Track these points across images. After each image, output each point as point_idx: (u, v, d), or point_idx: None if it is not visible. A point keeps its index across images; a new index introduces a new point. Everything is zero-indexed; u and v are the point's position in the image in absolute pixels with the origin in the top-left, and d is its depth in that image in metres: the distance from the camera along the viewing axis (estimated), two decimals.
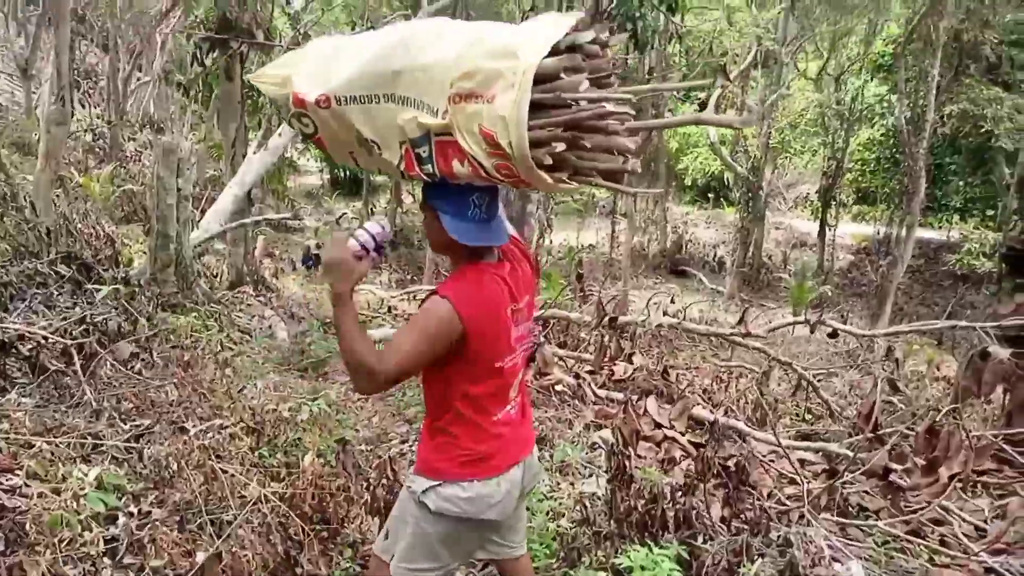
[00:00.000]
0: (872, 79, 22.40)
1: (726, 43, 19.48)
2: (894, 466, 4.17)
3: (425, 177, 1.86)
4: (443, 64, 1.72)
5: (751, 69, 19.08)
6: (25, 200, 7.32)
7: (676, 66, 17.51)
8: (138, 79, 22.72)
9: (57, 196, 9.27)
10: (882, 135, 23.56)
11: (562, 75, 1.71)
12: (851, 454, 4.49)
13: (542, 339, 6.88)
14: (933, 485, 4.01)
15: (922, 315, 17.62)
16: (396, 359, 1.85)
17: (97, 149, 18.81)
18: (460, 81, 1.69)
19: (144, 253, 8.33)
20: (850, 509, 4.24)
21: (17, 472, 2.61)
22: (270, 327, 7.89)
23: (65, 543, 2.33)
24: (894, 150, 22.29)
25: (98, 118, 20.64)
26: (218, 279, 9.82)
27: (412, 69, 1.74)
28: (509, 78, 1.64)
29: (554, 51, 1.72)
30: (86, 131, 19.31)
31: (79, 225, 7.42)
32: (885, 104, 22.30)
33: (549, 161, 1.70)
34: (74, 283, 5.79)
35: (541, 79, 1.67)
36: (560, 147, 1.70)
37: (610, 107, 1.84)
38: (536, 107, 1.67)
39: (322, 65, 1.85)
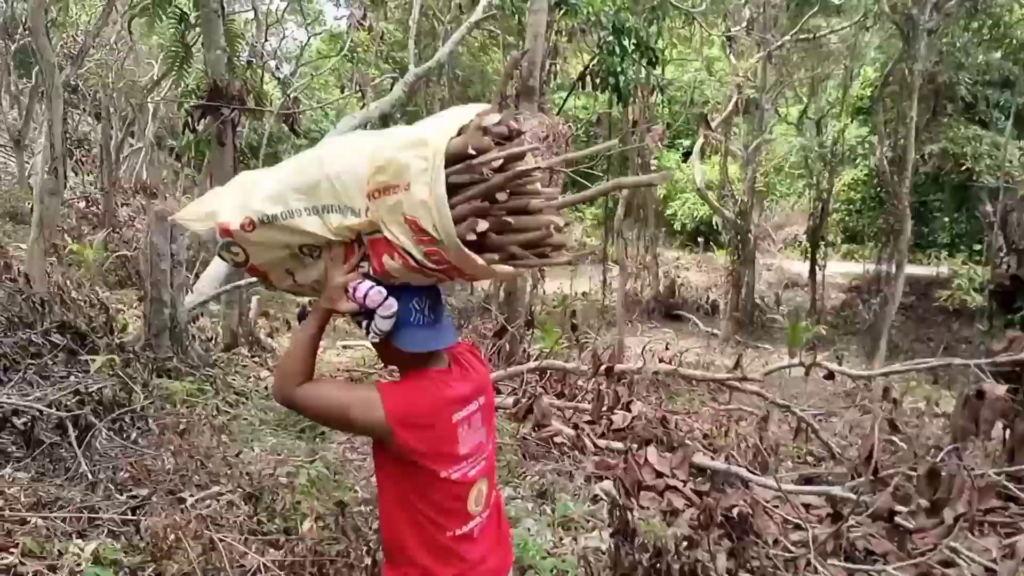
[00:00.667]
0: (852, 121, 22.87)
1: (707, 92, 19.92)
2: (899, 508, 4.14)
3: None
4: (357, 166, 1.76)
5: (733, 116, 19.46)
6: (18, 271, 7.34)
7: (659, 117, 17.86)
8: (130, 146, 22.99)
9: (51, 264, 9.31)
10: (866, 175, 23.94)
11: (472, 152, 1.71)
12: (854, 496, 4.45)
13: (539, 390, 6.86)
14: (939, 526, 3.98)
15: (917, 351, 17.63)
16: (310, 392, 1.86)
17: (90, 216, 18.92)
18: (375, 176, 1.72)
19: (138, 318, 8.32)
20: (857, 553, 4.19)
21: (12, 550, 2.56)
22: (266, 388, 7.85)
23: None
24: (878, 189, 22.63)
25: (91, 185, 20.81)
26: (213, 342, 9.79)
27: (328, 178, 1.78)
28: (421, 164, 1.67)
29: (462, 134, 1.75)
30: (79, 198, 19.46)
31: (73, 294, 7.44)
32: (867, 145, 22.73)
33: (473, 237, 1.69)
34: (68, 352, 5.78)
35: (453, 160, 1.69)
36: (483, 224, 1.69)
37: (538, 186, 1.87)
38: (454, 189, 1.69)
39: (242, 194, 1.88)
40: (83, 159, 22.82)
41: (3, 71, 17.78)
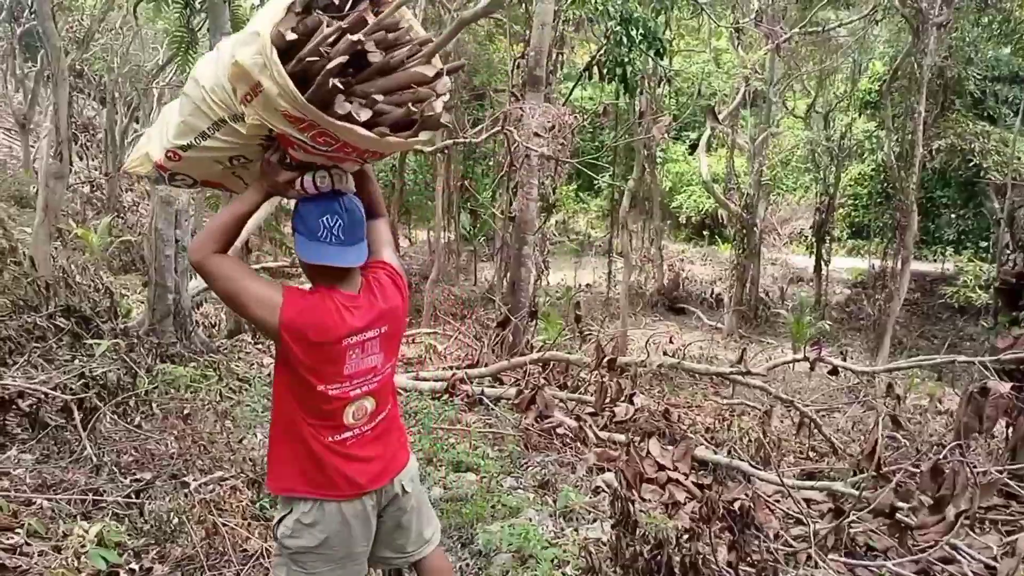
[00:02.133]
0: (860, 116, 22.73)
1: (714, 84, 19.82)
2: (900, 504, 4.14)
3: None
4: (221, 77, 1.80)
5: (740, 109, 19.38)
6: (23, 254, 7.35)
7: (666, 108, 17.79)
8: (135, 131, 22.99)
9: (56, 249, 9.32)
10: (872, 170, 23.83)
11: (297, 33, 1.74)
12: (856, 492, 4.45)
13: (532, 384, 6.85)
14: (940, 523, 3.98)
15: (922, 348, 17.61)
16: (224, 267, 1.96)
17: (95, 200, 18.94)
18: (235, 84, 1.78)
19: (142, 303, 8.35)
20: (857, 549, 4.20)
21: (17, 531, 2.58)
22: (269, 374, 7.87)
23: None
24: (885, 185, 22.51)
25: (96, 170, 20.83)
26: (216, 328, 9.81)
27: (206, 97, 1.83)
28: (259, 60, 1.71)
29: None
30: (84, 183, 19.48)
31: (77, 278, 7.45)
32: (874, 140, 22.60)
33: (344, 111, 1.73)
34: (73, 336, 5.80)
35: (288, 47, 1.73)
36: (332, 82, 1.71)
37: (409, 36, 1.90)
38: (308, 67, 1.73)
39: (162, 130, 1.99)
40: (88, 144, 22.83)
41: (8, 55, 17.75)
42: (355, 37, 1.75)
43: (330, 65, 1.71)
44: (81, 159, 21.59)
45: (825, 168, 21.55)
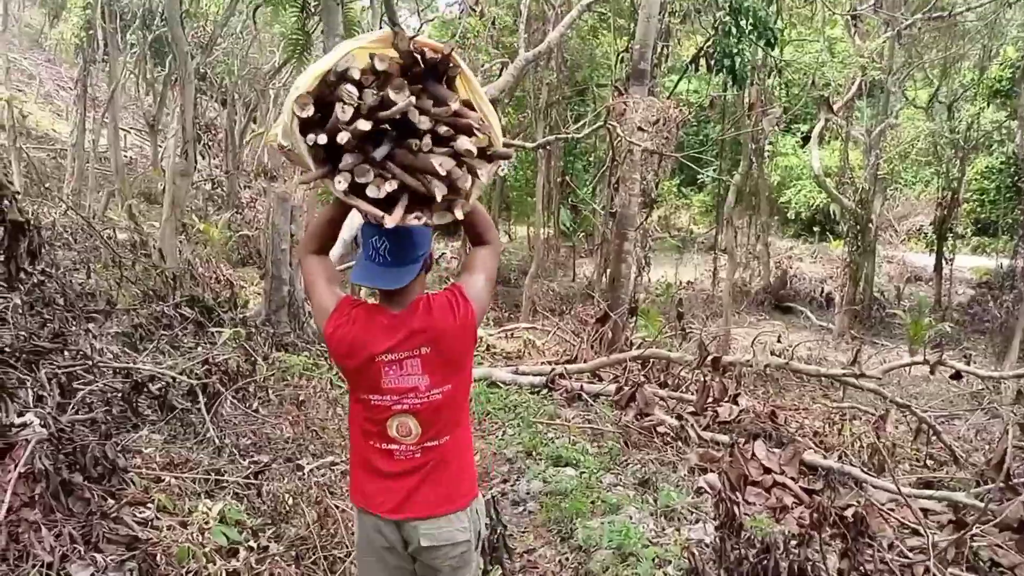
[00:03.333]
0: (988, 105, 21.27)
1: (828, 75, 18.98)
2: None
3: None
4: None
5: (855, 99, 18.49)
6: (153, 247, 7.87)
7: (776, 100, 17.18)
8: (252, 131, 24.16)
9: (180, 242, 9.94)
10: (1002, 163, 22.27)
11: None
12: (980, 504, 4.19)
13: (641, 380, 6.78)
14: None
15: None
16: (310, 268, 2.20)
17: (215, 197, 20.04)
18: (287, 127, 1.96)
19: (259, 295, 8.77)
20: (981, 564, 3.95)
21: (149, 505, 2.77)
22: None
23: (192, 574, 2.46)
24: (1015, 178, 21.00)
25: (216, 168, 22.03)
26: None
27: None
28: (287, 117, 1.90)
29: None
30: (206, 181, 20.63)
31: (200, 270, 7.91)
32: (1004, 131, 21.11)
33: (344, 186, 1.86)
34: (196, 324, 6.17)
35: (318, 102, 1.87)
36: (321, 139, 1.84)
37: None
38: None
39: (282, 120, 2.07)
40: (209, 144, 24.15)
41: (140, 60, 18.99)
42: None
43: (339, 140, 1.84)
44: (203, 158, 22.86)
45: (948, 161, 20.29)
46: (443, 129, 1.89)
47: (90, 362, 3.64)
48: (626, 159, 9.07)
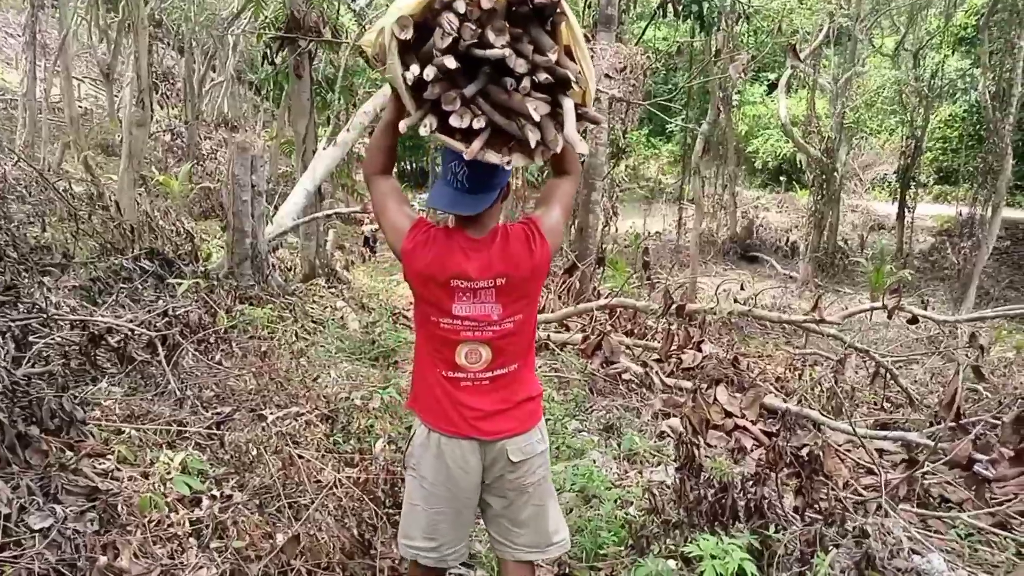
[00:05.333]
0: (953, 53, 21.40)
1: (796, 22, 18.90)
2: (979, 456, 4.01)
3: None
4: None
5: (823, 47, 18.46)
6: (110, 200, 7.67)
7: (744, 47, 17.07)
8: (212, 80, 23.51)
9: (139, 195, 9.70)
10: (964, 111, 22.53)
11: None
12: (931, 443, 4.33)
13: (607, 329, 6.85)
14: (1021, 476, 3.85)
15: (1010, 299, 16.80)
16: (379, 189, 2.23)
17: (175, 148, 19.56)
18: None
19: (221, 248, 8.64)
20: (931, 500, 4.10)
21: (109, 457, 2.75)
22: (342, 318, 8.08)
23: (154, 524, 2.46)
24: (977, 127, 21.27)
25: (175, 118, 21.46)
26: (292, 272, 10.10)
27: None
28: (387, 40, 1.89)
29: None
30: (165, 131, 20.11)
31: (160, 222, 7.74)
32: (968, 79, 21.29)
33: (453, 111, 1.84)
34: (156, 277, 6.05)
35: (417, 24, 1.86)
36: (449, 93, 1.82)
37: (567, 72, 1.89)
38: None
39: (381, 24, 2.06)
40: (168, 93, 23.49)
41: (92, 5, 18.27)
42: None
43: (423, 74, 1.84)
44: (162, 108, 22.26)
45: (913, 110, 20.48)
46: (542, 76, 1.85)
47: (45, 315, 3.57)
48: (593, 107, 8.99)
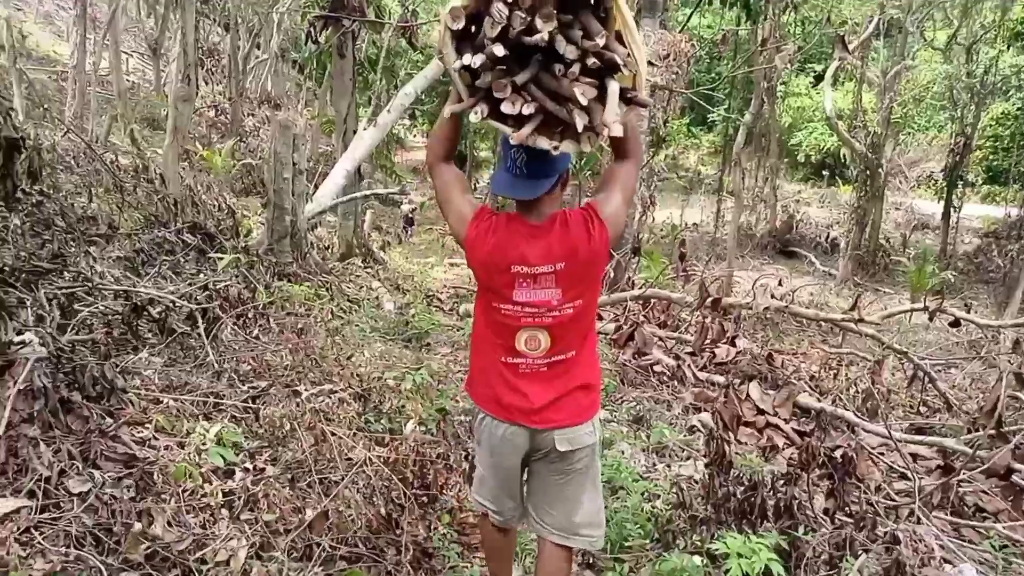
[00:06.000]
0: (1008, 48, 20.74)
1: (845, 12, 18.47)
2: (1018, 466, 3.92)
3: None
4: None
5: (872, 39, 18.02)
6: (155, 172, 7.80)
7: (791, 37, 16.75)
8: (256, 57, 23.71)
9: (183, 169, 9.85)
10: (1018, 109, 21.87)
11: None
12: (969, 451, 4.24)
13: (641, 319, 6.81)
14: None
15: None
16: (443, 178, 2.28)
17: (219, 124, 19.81)
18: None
19: (262, 224, 8.75)
20: (965, 509, 4.02)
21: (147, 425, 2.82)
22: (377, 298, 8.15)
23: (188, 493, 2.51)
24: None
25: (220, 95, 21.71)
26: (329, 251, 10.21)
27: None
28: (437, 35, 1.95)
29: None
30: (209, 107, 20.36)
31: (203, 196, 7.85)
32: (1022, 76, 20.65)
33: (504, 96, 1.88)
34: (198, 251, 6.16)
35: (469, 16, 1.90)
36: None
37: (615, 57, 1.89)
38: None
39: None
40: (213, 69, 23.77)
41: None
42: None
43: (469, 62, 1.89)
44: (207, 84, 22.54)
45: (964, 106, 19.91)
46: (591, 61, 1.85)
47: (90, 284, 3.65)
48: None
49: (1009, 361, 7.28)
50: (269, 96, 24.48)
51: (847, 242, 18.84)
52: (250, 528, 2.50)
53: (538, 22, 1.79)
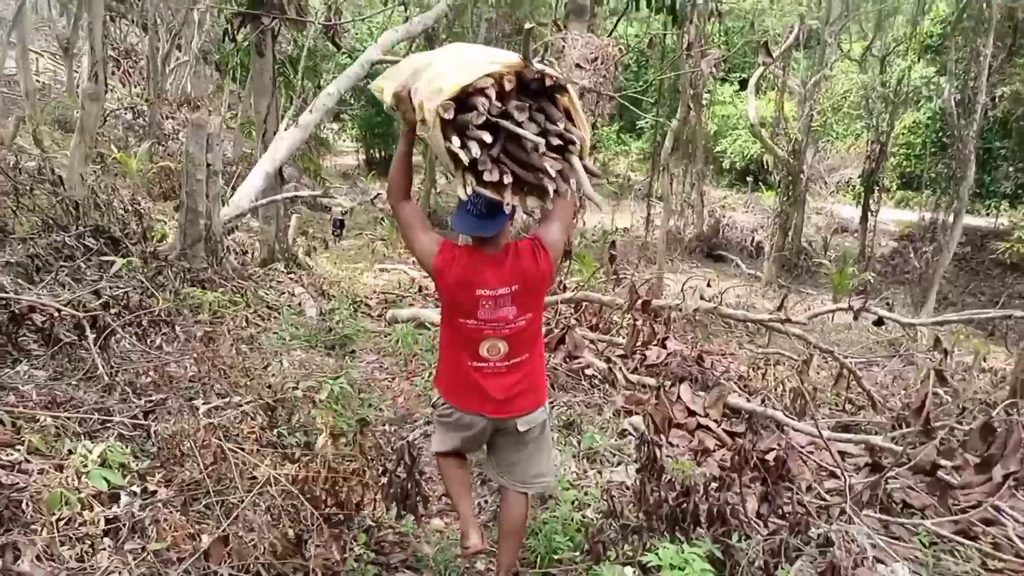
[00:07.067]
0: (919, 60, 21.64)
1: (767, 22, 18.93)
2: (943, 462, 3.93)
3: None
4: (422, 92, 2.37)
5: (792, 50, 18.52)
6: (51, 173, 7.30)
7: (714, 44, 17.05)
8: (177, 59, 22.83)
9: (95, 172, 9.27)
10: (929, 118, 22.82)
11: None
12: (897, 448, 4.25)
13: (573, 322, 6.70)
14: (986, 484, 3.77)
15: (968, 304, 17.04)
16: (405, 214, 2.70)
17: (136, 127, 18.95)
18: (419, 112, 2.39)
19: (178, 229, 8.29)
20: (894, 505, 4.01)
21: (18, 447, 2.50)
22: (299, 304, 7.82)
23: (64, 522, 2.22)
24: (941, 134, 21.57)
25: (138, 96, 20.80)
26: (250, 256, 9.79)
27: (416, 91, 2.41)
28: (430, 116, 2.29)
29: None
30: (126, 109, 19.48)
31: (108, 198, 7.39)
32: (932, 86, 21.55)
33: (467, 157, 2.26)
34: (101, 256, 5.76)
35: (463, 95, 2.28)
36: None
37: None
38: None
39: (396, 74, 2.63)
40: (130, 70, 22.80)
41: None
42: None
43: (463, 153, 2.25)
44: (124, 85, 21.59)
45: (878, 115, 20.65)
46: (554, 141, 2.30)
47: None
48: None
49: (929, 359, 7.46)
50: (189, 98, 23.62)
51: (771, 245, 19.28)
52: (135, 559, 2.22)
53: (514, 112, 2.26)
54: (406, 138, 2.62)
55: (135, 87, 21.94)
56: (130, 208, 6.98)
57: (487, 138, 2.22)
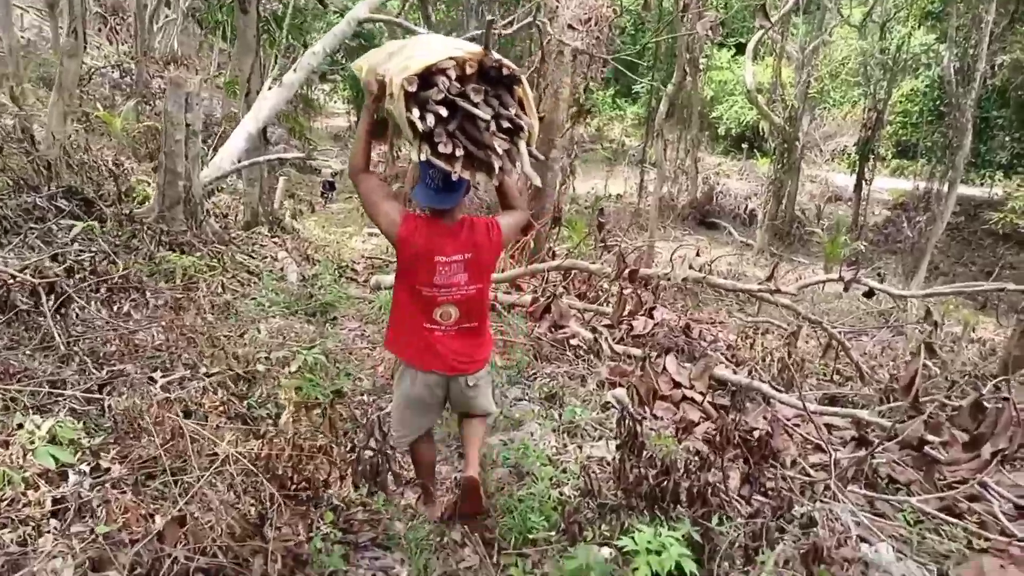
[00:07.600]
0: (919, 27, 21.29)
1: None
2: (930, 437, 3.85)
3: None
4: (392, 71, 2.61)
5: (792, 14, 18.15)
6: (24, 133, 7.08)
7: (711, 6, 16.70)
8: (165, 16, 22.29)
9: (77, 131, 9.01)
10: (927, 86, 22.53)
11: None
12: (885, 422, 4.16)
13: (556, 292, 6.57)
14: (974, 460, 3.69)
15: (959, 275, 16.99)
16: (367, 186, 2.85)
17: (123, 86, 18.54)
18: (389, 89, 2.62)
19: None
20: (879, 480, 3.93)
21: None
22: (281, 269, 7.67)
23: (5, 503, 2.11)
24: (938, 102, 21.32)
25: (125, 55, 20.32)
26: (233, 219, 9.60)
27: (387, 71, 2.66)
28: (397, 91, 2.53)
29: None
30: (113, 67, 19.04)
31: (85, 159, 7.18)
32: (932, 54, 21.25)
33: (424, 127, 2.51)
34: (73, 218, 5.59)
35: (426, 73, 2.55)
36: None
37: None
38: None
39: (374, 60, 2.88)
40: (117, 27, 22.28)
41: None
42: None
43: (420, 123, 2.50)
44: (111, 43, 21.11)
45: (876, 82, 20.37)
46: (504, 124, 2.58)
47: None
48: (555, 60, 8.58)
49: (919, 330, 7.37)
50: (176, 56, 23.10)
51: (764, 213, 19.13)
52: (83, 542, 2.11)
53: (471, 94, 2.51)
54: (368, 113, 2.80)
55: (122, 45, 21.45)
56: (106, 169, 6.76)
57: (443, 112, 2.47)
